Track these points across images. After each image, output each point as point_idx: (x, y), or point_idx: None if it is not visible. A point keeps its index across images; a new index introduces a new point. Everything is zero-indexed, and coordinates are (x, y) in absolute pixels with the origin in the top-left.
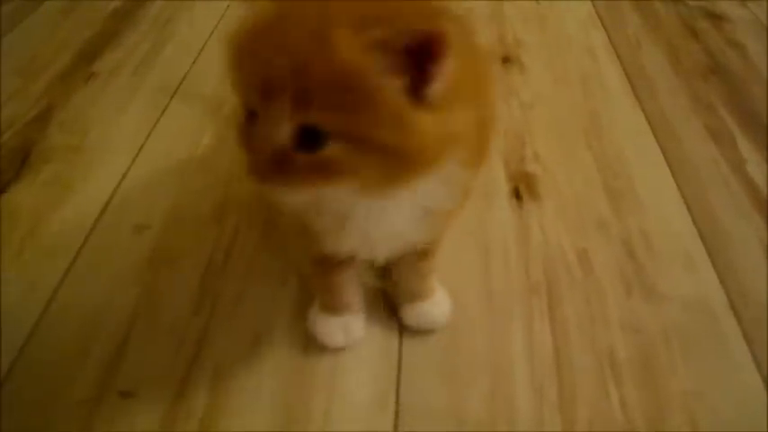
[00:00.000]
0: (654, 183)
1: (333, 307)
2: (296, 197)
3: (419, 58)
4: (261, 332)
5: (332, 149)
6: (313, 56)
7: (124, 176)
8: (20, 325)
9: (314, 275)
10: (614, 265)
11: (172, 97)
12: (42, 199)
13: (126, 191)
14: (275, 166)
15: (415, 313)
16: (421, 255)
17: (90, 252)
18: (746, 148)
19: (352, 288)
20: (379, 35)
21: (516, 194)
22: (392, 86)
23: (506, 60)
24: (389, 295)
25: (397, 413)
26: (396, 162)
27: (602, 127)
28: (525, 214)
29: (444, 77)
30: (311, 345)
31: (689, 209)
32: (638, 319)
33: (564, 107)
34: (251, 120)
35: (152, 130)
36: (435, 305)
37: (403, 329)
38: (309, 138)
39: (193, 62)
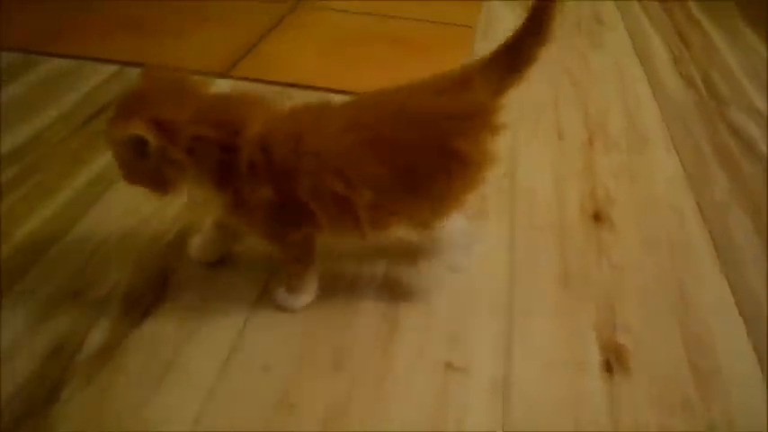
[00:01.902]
0: (740, 367)
1: None
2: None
3: None
4: None
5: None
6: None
7: (250, 313)
8: None
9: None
10: None
11: None
12: (178, 329)
13: (254, 329)
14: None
15: None
16: None
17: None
18: None
19: None
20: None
21: (607, 367)
22: None
23: (597, 218)
24: None
25: None
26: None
27: (690, 299)
28: (615, 388)
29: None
30: None
31: None
32: None
33: (652, 273)
34: None
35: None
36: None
37: None
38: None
39: None
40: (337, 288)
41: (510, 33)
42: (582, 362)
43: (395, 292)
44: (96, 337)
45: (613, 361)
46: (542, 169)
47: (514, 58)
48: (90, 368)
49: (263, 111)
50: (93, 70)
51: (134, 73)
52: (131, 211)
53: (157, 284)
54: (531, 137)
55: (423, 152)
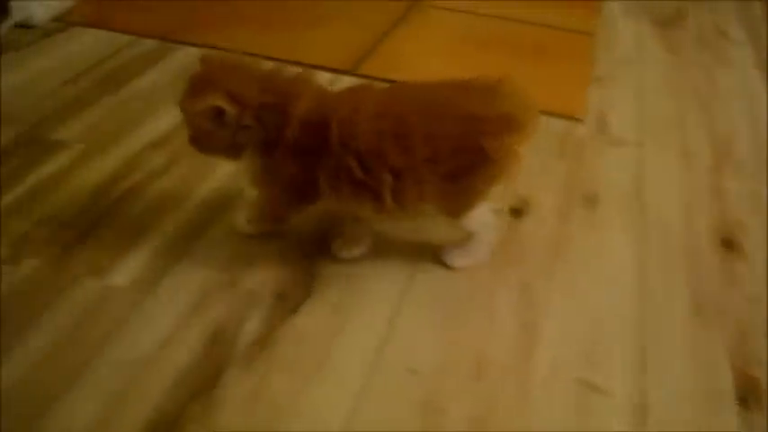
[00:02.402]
0: None
1: None
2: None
3: None
4: None
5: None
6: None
7: (395, 312)
8: None
9: None
10: None
11: None
12: (326, 325)
13: (401, 327)
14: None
15: None
16: None
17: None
18: None
19: None
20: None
21: (742, 400)
22: None
23: (728, 246)
24: None
25: None
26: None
27: None
28: (751, 423)
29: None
30: None
31: None
32: None
33: None
34: None
35: (416, 269)
36: None
37: None
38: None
39: None
40: (475, 296)
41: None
42: (715, 393)
43: (532, 301)
44: (251, 327)
45: (748, 394)
46: (669, 190)
47: None
48: (247, 356)
49: (311, 87)
50: None
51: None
52: None
53: (305, 280)
54: (657, 156)
55: (450, 146)
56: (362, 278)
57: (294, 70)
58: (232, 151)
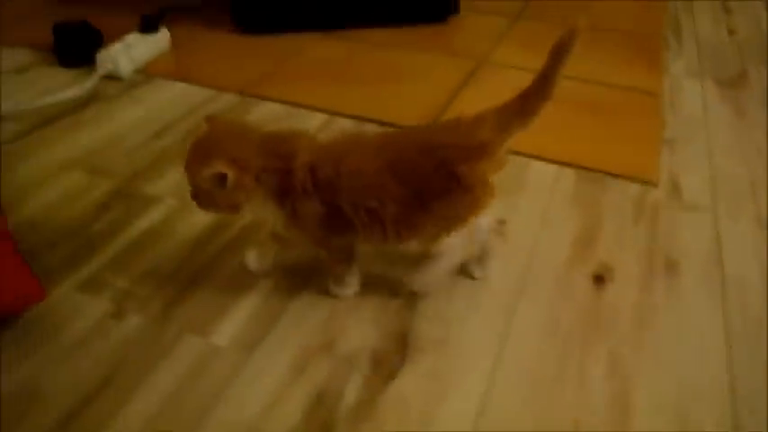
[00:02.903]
0: None
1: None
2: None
3: None
4: None
5: (198, 201)
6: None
7: (490, 382)
8: None
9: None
10: None
11: (519, 300)
12: (425, 392)
13: (496, 397)
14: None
15: None
16: None
17: None
18: None
19: None
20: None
21: None
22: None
23: None
24: None
25: None
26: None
27: None
28: None
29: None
30: None
31: None
32: None
33: None
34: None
35: (506, 339)
36: None
37: None
38: (192, 195)
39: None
40: (565, 365)
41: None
42: None
43: (623, 372)
44: (352, 391)
45: None
46: (748, 257)
47: (522, 108)
48: (352, 422)
49: (309, 142)
50: (302, 116)
51: (340, 122)
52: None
53: (399, 345)
54: (732, 221)
55: (431, 175)
56: (454, 344)
57: (291, 128)
58: (231, 209)
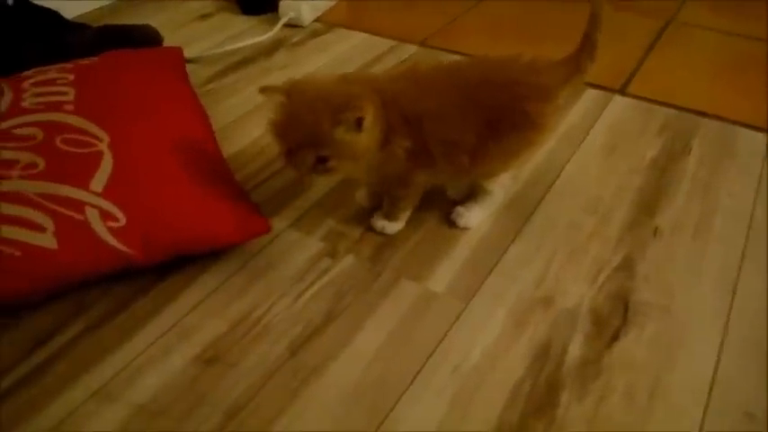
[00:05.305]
0: None
1: None
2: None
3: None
4: None
5: (331, 163)
6: (315, 129)
7: (719, 354)
8: None
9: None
10: None
11: (739, 273)
12: (651, 358)
13: (727, 369)
14: (309, 171)
15: None
16: None
17: None
18: None
19: None
20: (340, 118)
21: None
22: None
23: None
24: None
25: None
26: (355, 158)
27: None
28: None
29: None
30: None
31: None
32: None
33: None
34: (289, 154)
35: (730, 309)
36: None
37: None
38: (320, 160)
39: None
40: None
41: None
42: None
43: None
44: (575, 348)
45: None
46: None
47: (577, 64)
48: (580, 380)
49: (386, 81)
50: None
51: None
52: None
53: (619, 307)
54: None
55: (506, 109)
56: (676, 313)
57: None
58: (364, 153)
